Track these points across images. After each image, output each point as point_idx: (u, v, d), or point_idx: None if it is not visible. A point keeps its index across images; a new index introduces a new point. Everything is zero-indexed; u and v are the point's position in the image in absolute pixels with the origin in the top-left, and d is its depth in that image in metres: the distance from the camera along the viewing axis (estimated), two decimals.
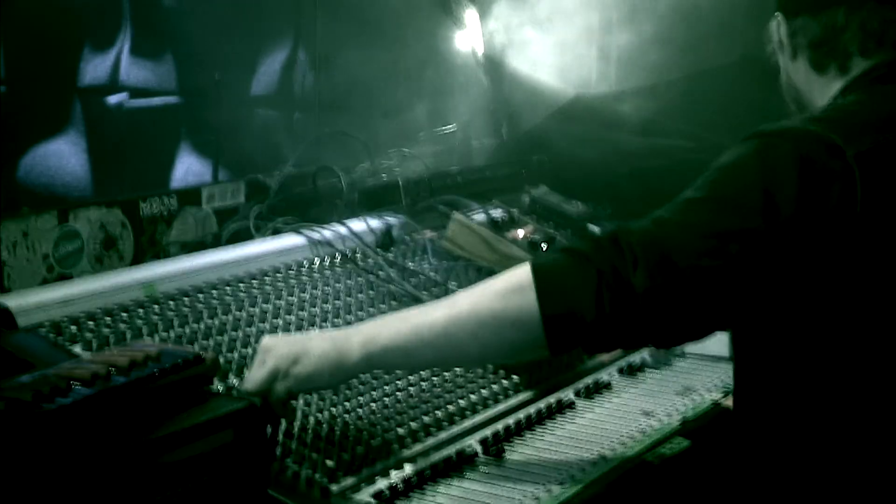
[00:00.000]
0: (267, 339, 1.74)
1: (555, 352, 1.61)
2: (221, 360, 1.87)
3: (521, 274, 1.61)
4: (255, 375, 1.71)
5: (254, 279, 2.20)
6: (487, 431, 1.87)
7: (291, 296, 2.19)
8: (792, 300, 1.59)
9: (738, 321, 1.68)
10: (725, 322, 1.68)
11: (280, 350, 1.70)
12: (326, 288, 2.26)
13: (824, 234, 1.54)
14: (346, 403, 1.86)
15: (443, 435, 1.86)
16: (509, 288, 1.62)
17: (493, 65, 3.27)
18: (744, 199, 1.56)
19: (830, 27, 1.75)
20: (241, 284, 2.17)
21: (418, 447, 1.80)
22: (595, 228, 2.79)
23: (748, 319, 1.65)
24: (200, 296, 2.09)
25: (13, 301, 1.88)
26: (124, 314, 1.96)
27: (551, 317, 1.57)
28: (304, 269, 2.30)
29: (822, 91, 1.79)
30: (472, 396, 1.99)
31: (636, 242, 1.56)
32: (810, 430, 1.65)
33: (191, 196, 2.61)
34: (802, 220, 1.54)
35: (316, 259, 2.35)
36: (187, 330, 1.97)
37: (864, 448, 1.62)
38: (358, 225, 2.52)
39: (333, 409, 1.84)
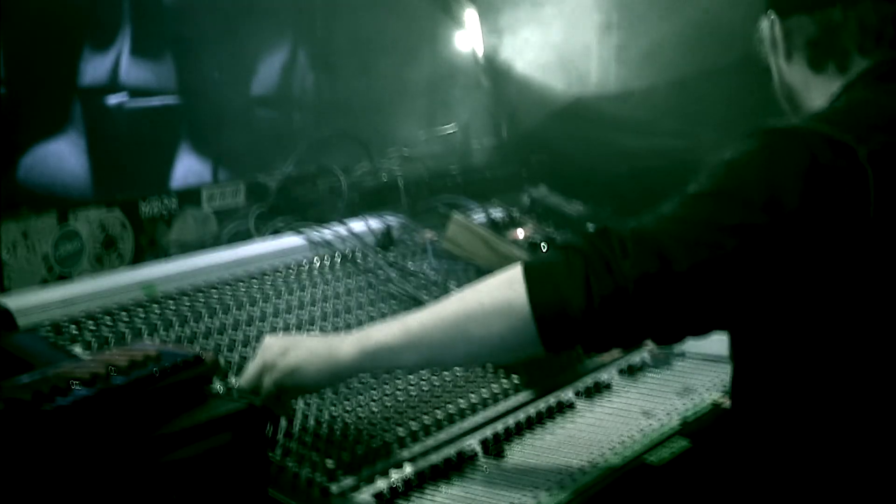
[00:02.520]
0: (267, 338, 1.75)
1: (548, 346, 1.58)
2: (221, 360, 1.87)
3: (512, 270, 1.61)
4: (247, 370, 1.73)
5: (254, 279, 2.20)
6: (487, 432, 1.87)
7: (291, 296, 2.19)
8: (794, 299, 1.57)
9: (734, 318, 1.63)
10: (720, 318, 1.61)
11: (272, 344, 1.72)
12: (326, 288, 2.26)
13: (831, 235, 1.53)
14: (346, 403, 1.87)
15: (443, 435, 1.86)
16: (499, 283, 1.61)
17: (493, 64, 3.27)
18: (746, 193, 1.54)
19: (827, 25, 1.73)
20: (241, 285, 2.17)
21: (418, 447, 1.80)
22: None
23: (745, 317, 1.62)
24: (200, 296, 2.09)
25: (13, 301, 1.88)
26: (124, 314, 1.96)
27: (540, 306, 1.55)
28: (304, 270, 2.30)
29: (821, 90, 1.76)
30: (472, 397, 1.98)
31: (628, 235, 1.54)
32: (808, 430, 1.65)
33: (191, 196, 2.61)
34: (807, 218, 1.52)
35: (316, 259, 2.35)
36: (187, 330, 1.97)
37: (861, 448, 1.62)
38: (358, 225, 2.52)
39: (333, 409, 1.84)
